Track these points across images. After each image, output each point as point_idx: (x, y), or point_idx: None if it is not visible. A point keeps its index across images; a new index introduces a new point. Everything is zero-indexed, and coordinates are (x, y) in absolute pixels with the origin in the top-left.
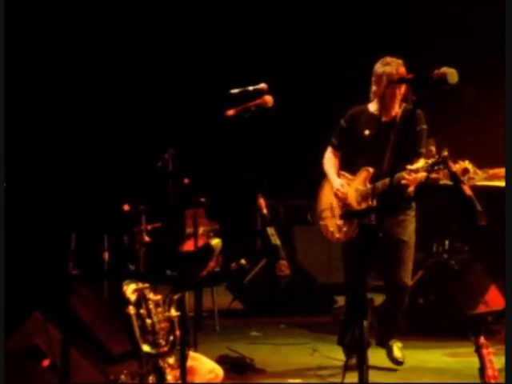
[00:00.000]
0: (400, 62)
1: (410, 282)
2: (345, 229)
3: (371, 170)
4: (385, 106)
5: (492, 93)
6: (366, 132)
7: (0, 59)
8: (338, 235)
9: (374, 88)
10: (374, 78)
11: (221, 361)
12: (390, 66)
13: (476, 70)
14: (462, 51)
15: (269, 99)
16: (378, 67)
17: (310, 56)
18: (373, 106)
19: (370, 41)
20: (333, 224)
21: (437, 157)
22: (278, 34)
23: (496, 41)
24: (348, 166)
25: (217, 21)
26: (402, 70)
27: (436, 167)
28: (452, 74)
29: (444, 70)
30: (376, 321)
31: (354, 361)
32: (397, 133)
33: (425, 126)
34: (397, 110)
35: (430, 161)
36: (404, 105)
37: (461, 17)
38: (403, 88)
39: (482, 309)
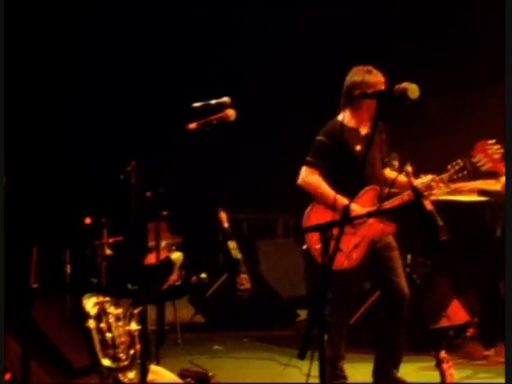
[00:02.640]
0: (371, 69)
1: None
2: (355, 255)
3: (378, 187)
4: (363, 117)
5: (454, 106)
6: (358, 148)
7: (0, 58)
8: (346, 263)
9: (344, 100)
10: (353, 88)
11: (183, 375)
12: (371, 74)
13: (439, 83)
14: (424, 63)
15: (231, 113)
16: (363, 76)
17: (274, 70)
18: (346, 119)
19: (336, 53)
20: None
21: (457, 164)
22: (242, 49)
23: (463, 53)
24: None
25: (180, 33)
26: (382, 79)
27: (460, 174)
28: (413, 90)
29: (405, 85)
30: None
31: None
32: (376, 145)
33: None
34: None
35: (453, 169)
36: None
37: (429, 26)
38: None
39: (444, 323)
